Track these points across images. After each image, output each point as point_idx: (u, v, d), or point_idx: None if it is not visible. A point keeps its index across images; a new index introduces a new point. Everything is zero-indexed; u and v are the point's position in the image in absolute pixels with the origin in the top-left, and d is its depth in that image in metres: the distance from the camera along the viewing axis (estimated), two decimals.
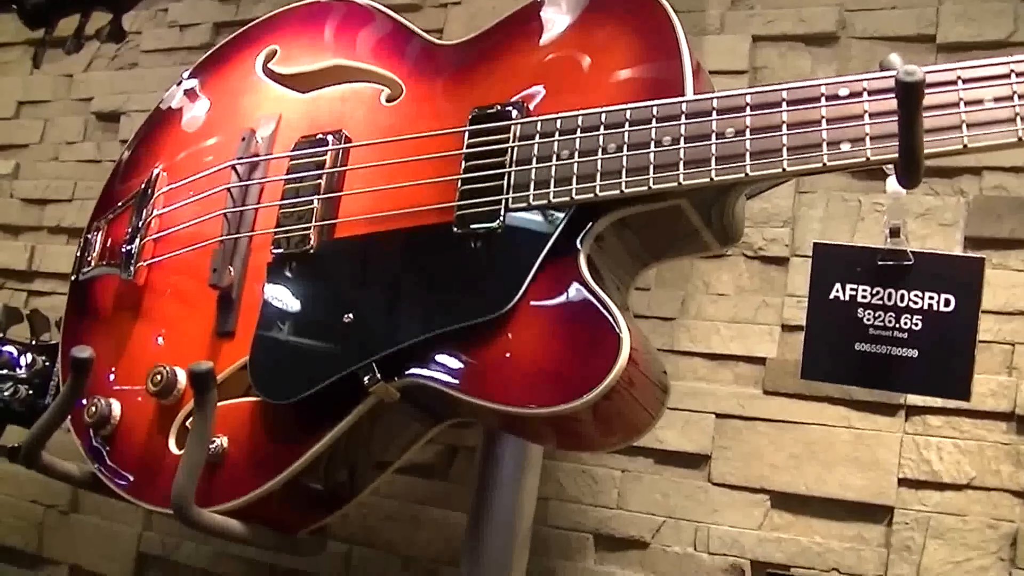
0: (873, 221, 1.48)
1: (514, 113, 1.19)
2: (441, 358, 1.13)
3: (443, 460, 1.68)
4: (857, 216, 1.49)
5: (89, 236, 1.52)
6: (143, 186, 1.46)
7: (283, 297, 1.27)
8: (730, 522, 1.49)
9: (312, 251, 1.27)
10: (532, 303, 1.09)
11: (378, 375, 1.14)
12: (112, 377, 1.37)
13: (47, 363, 1.54)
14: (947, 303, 1.16)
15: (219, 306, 1.32)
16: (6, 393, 1.50)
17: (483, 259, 1.15)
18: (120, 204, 1.49)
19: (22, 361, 1.55)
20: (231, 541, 1.23)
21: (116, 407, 1.34)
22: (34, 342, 1.60)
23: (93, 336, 1.42)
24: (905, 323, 1.18)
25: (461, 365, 1.12)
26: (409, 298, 1.19)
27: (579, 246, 1.10)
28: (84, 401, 1.34)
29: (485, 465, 1.40)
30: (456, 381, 1.11)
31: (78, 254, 1.52)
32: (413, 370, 1.14)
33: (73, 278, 1.51)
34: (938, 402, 1.40)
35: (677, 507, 1.52)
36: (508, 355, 1.09)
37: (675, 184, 1.07)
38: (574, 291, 1.08)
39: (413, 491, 1.68)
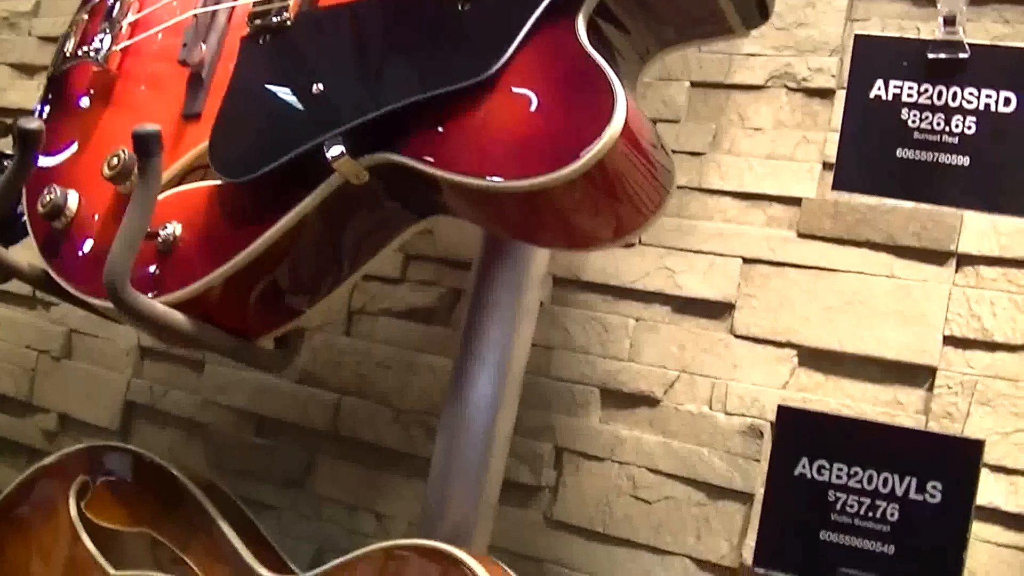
0: None
1: None
2: (417, 131, 0.98)
3: (445, 304, 1.53)
4: None
5: (70, 29, 1.39)
6: None
7: (252, 71, 1.13)
8: (752, 379, 1.33)
9: (289, 22, 1.13)
10: (520, 67, 0.95)
11: (343, 149, 1.00)
12: (75, 167, 1.25)
13: None
14: (1007, 102, 1.00)
15: (188, 87, 1.19)
16: None
17: (470, 21, 1.00)
18: None
19: None
20: (177, 340, 1.11)
21: (73, 197, 1.21)
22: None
23: (64, 130, 1.29)
24: (956, 126, 1.01)
25: (439, 138, 0.97)
26: (386, 66, 1.04)
27: (578, 9, 0.95)
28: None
29: (476, 297, 1.25)
30: (432, 157, 0.96)
31: (58, 49, 1.40)
32: (384, 146, 1.00)
33: (49, 72, 1.39)
34: (994, 251, 1.22)
35: (694, 361, 1.36)
36: (491, 124, 0.94)
37: None
38: (568, 56, 0.93)
39: (410, 337, 1.55)
